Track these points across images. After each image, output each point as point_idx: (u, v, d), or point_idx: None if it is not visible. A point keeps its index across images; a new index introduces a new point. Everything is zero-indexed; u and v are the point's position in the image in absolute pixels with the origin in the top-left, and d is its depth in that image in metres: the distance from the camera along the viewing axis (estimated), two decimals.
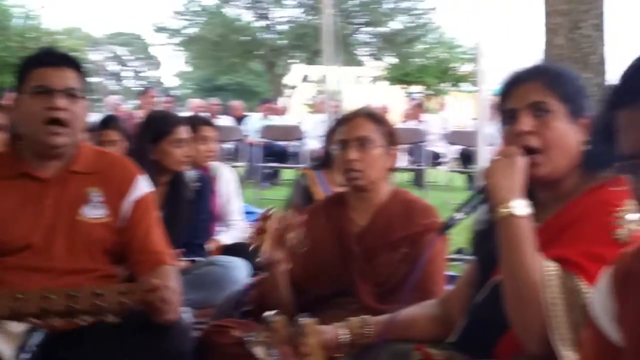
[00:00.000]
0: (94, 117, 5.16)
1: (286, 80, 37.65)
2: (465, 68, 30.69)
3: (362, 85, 40.57)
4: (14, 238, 2.59)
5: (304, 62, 36.16)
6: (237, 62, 36.10)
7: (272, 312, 2.27)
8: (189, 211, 4.07)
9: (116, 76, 52.87)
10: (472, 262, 2.31)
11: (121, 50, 53.13)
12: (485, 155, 4.84)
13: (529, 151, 1.98)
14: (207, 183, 4.38)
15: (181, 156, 4.03)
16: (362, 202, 2.98)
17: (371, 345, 2.27)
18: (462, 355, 2.12)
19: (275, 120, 13.42)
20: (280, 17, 34.34)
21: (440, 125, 13.39)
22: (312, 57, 32.49)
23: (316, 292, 2.90)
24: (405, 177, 12.27)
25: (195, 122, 4.75)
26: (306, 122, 13.85)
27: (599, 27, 6.54)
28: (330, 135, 4.34)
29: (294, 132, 11.97)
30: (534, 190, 2.05)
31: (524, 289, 1.83)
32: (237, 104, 15.19)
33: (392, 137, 2.97)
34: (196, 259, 4.10)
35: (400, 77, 31.04)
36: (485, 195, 2.00)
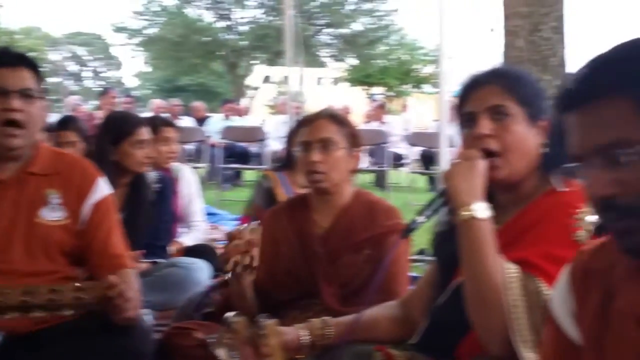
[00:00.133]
0: (54, 118, 5.11)
1: (248, 81, 37.59)
2: (427, 70, 30.87)
3: (324, 87, 40.62)
4: None
5: (265, 63, 36.15)
6: (198, 63, 35.99)
7: (233, 313, 2.26)
8: (150, 213, 4.04)
9: (76, 76, 52.42)
10: (432, 263, 2.32)
11: (81, 50, 52.71)
12: (446, 157, 4.87)
13: (488, 154, 1.99)
14: (168, 184, 4.35)
15: (142, 157, 4.00)
16: (324, 204, 2.97)
17: (332, 347, 2.27)
18: (424, 356, 2.12)
19: (237, 121, 13.38)
20: (242, 17, 34.29)
21: (402, 127, 13.45)
22: (274, 58, 32.53)
23: (280, 295, 2.89)
24: (367, 178, 12.31)
25: (157, 123, 4.73)
26: (268, 123, 13.84)
27: (558, 30, 6.61)
28: (292, 137, 4.34)
29: (255, 133, 11.94)
30: (494, 192, 2.06)
31: (486, 291, 1.84)
32: (198, 104, 15.12)
33: (354, 138, 2.97)
34: (158, 260, 4.07)
35: (361, 78, 31.14)
36: (446, 198, 2.01)
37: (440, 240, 2.22)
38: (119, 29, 34.31)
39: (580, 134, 1.28)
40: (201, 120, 13.82)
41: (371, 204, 2.99)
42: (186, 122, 13.14)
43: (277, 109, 17.44)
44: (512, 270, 1.86)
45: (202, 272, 4.02)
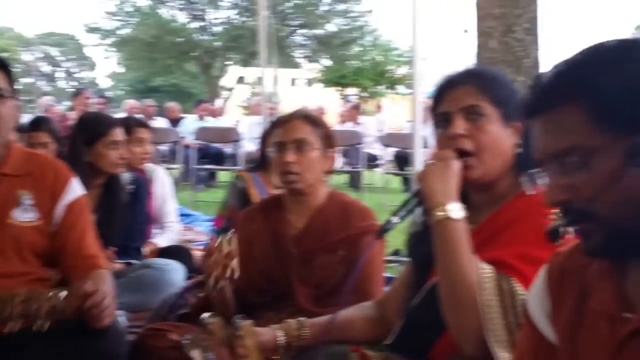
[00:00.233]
0: (27, 119, 5.08)
1: (222, 82, 37.51)
2: (401, 71, 30.98)
3: (298, 87, 40.63)
4: None
5: (239, 64, 36.07)
6: (172, 64, 35.84)
7: (209, 314, 2.25)
8: (124, 214, 4.02)
9: (49, 77, 52.07)
10: (407, 263, 2.32)
11: (54, 51, 52.38)
12: (420, 158, 4.87)
13: (462, 154, 2.00)
14: (142, 185, 4.34)
15: (116, 158, 3.98)
16: (299, 205, 2.97)
17: (308, 347, 2.27)
18: (399, 356, 2.12)
19: (211, 122, 13.35)
20: (215, 18, 34.21)
21: (376, 128, 13.47)
22: (248, 58, 32.47)
23: (254, 295, 2.88)
24: (342, 179, 12.32)
25: (130, 124, 4.71)
26: (242, 124, 13.80)
27: (532, 31, 6.65)
28: (266, 138, 4.33)
29: (230, 134, 11.91)
30: (468, 193, 2.07)
31: (460, 291, 1.85)
32: (172, 105, 15.07)
33: (329, 139, 2.96)
34: (132, 261, 4.05)
35: (336, 79, 31.21)
36: (420, 198, 2.01)
37: (415, 241, 2.23)
38: (92, 30, 34.10)
39: (540, 140, 1.31)
40: (175, 121, 13.78)
41: (345, 204, 2.99)
42: (160, 123, 13.09)
43: (251, 109, 17.43)
44: (486, 270, 1.87)
45: (176, 273, 4.01)
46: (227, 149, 12.11)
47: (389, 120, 16.69)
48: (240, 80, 39.04)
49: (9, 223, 2.60)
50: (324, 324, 2.29)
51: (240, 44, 32.55)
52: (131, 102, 15.19)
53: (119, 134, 4.03)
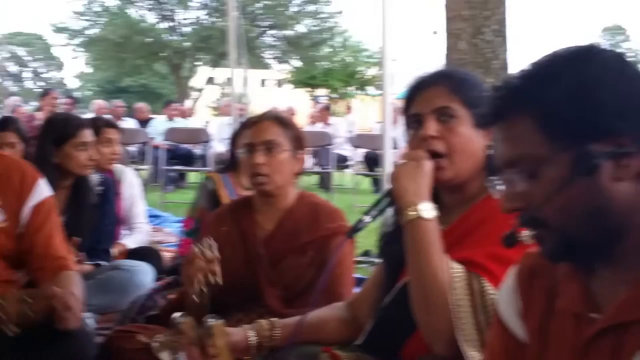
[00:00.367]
0: None
1: (191, 82, 37.40)
2: (370, 72, 31.04)
3: (268, 88, 40.59)
4: None
5: (209, 65, 35.99)
6: (141, 64, 35.66)
7: (180, 314, 2.24)
8: (92, 216, 3.99)
9: (16, 77, 51.61)
10: (379, 264, 2.32)
11: (21, 51, 51.93)
12: (390, 159, 4.89)
13: (434, 155, 2.00)
14: (110, 186, 4.31)
15: (85, 160, 3.95)
16: (268, 206, 2.97)
17: (279, 348, 2.27)
18: (370, 356, 2.13)
19: (181, 123, 13.30)
20: (184, 19, 34.10)
21: (346, 129, 13.49)
22: (218, 59, 32.41)
23: (223, 296, 2.87)
24: (312, 180, 12.32)
25: (99, 124, 4.67)
26: (212, 124, 13.77)
27: (501, 33, 6.68)
28: (236, 139, 4.33)
29: (199, 135, 11.88)
30: (439, 194, 2.07)
31: (431, 291, 1.85)
32: (141, 106, 14.99)
33: (298, 140, 2.96)
34: (101, 263, 4.02)
35: (305, 80, 31.19)
36: (392, 198, 2.01)
37: (386, 241, 2.23)
38: (60, 30, 33.85)
39: (497, 148, 1.35)
40: (144, 122, 13.70)
41: (315, 206, 2.99)
42: (129, 123, 13.02)
43: (220, 110, 17.40)
44: (457, 269, 1.88)
45: (145, 275, 3.99)
46: (197, 150, 12.07)
47: (358, 121, 16.72)
48: (210, 80, 38.96)
49: None
50: (295, 324, 2.28)
51: (209, 45, 32.48)
52: (99, 103, 15.11)
53: (87, 135, 4.00)
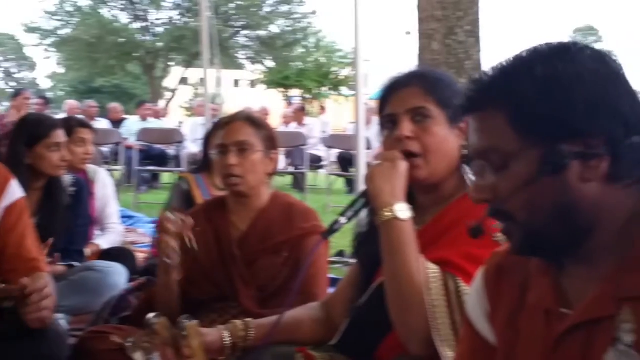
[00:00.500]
0: None
1: (165, 83, 37.24)
2: (344, 72, 31.05)
3: (241, 89, 40.50)
4: None
5: (182, 65, 35.86)
6: (114, 64, 35.44)
7: (154, 314, 2.23)
8: (65, 217, 3.97)
9: None
10: (354, 264, 2.33)
11: None
12: (363, 159, 4.90)
13: (409, 155, 2.01)
14: (83, 187, 4.28)
15: (57, 161, 3.92)
16: (242, 207, 2.97)
17: (254, 348, 2.27)
18: (345, 357, 2.13)
19: (154, 123, 13.24)
20: (157, 19, 33.96)
21: (320, 129, 13.49)
22: (191, 59, 32.31)
23: (197, 296, 2.87)
24: (285, 180, 12.32)
25: (72, 124, 4.65)
26: (185, 125, 13.72)
27: (474, 33, 6.73)
28: (209, 139, 4.32)
29: (173, 136, 11.83)
30: (414, 194, 2.08)
31: (407, 291, 1.86)
32: (115, 106, 14.90)
33: (271, 141, 2.97)
34: (74, 264, 4.00)
35: (279, 80, 31.14)
36: (367, 199, 2.02)
37: (361, 241, 2.23)
38: (32, 29, 33.58)
39: (470, 137, 1.34)
40: (117, 122, 13.63)
41: (289, 206, 3.00)
42: (102, 124, 12.93)
43: (194, 111, 17.35)
44: (432, 270, 1.89)
45: (118, 276, 3.98)
46: (170, 150, 12.02)
47: (332, 122, 16.74)
48: (183, 81, 38.82)
49: None
50: (270, 324, 2.28)
51: (182, 45, 32.38)
52: (72, 103, 15.01)
53: (60, 135, 3.97)
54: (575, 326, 1.25)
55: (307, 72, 31.06)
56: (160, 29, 34.06)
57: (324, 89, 31.03)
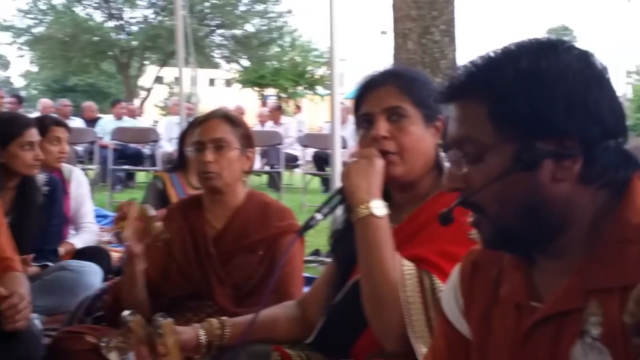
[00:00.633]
0: None
1: (140, 81, 37.07)
2: (320, 71, 31.06)
3: (217, 88, 40.39)
4: None
5: (157, 64, 35.71)
6: (88, 63, 35.22)
7: (129, 312, 2.22)
8: (39, 216, 3.94)
9: None
10: (330, 262, 2.33)
11: None
12: (339, 158, 4.90)
13: (385, 152, 2.02)
14: (57, 186, 4.25)
15: (31, 160, 3.89)
16: (218, 205, 2.97)
17: (230, 347, 2.26)
18: (320, 354, 2.13)
19: (129, 122, 13.18)
20: (132, 17, 33.79)
21: (296, 128, 13.49)
22: (166, 58, 32.19)
23: (172, 294, 2.87)
24: (261, 179, 12.31)
25: (46, 122, 4.61)
26: (160, 124, 13.67)
27: (449, 33, 6.75)
28: (184, 138, 4.32)
29: (148, 135, 11.79)
30: (390, 192, 2.09)
31: (382, 288, 1.87)
32: (89, 105, 14.82)
33: (248, 139, 2.97)
34: (48, 264, 3.98)
35: (254, 79, 31.09)
36: (343, 196, 2.02)
37: (337, 239, 2.24)
38: (4, 28, 33.27)
39: (450, 125, 1.34)
40: (92, 121, 13.56)
41: (264, 205, 3.00)
42: (76, 122, 12.84)
43: (169, 110, 17.28)
44: (408, 267, 1.89)
45: (93, 276, 3.95)
46: (145, 149, 11.99)
47: (308, 121, 16.74)
48: (158, 80, 38.66)
49: None
50: (245, 323, 2.28)
51: (157, 44, 32.25)
52: (46, 102, 14.89)
53: (34, 134, 3.94)
54: (544, 319, 1.26)
55: (282, 71, 31.03)
56: (134, 28, 33.90)
57: (299, 88, 31.02)
